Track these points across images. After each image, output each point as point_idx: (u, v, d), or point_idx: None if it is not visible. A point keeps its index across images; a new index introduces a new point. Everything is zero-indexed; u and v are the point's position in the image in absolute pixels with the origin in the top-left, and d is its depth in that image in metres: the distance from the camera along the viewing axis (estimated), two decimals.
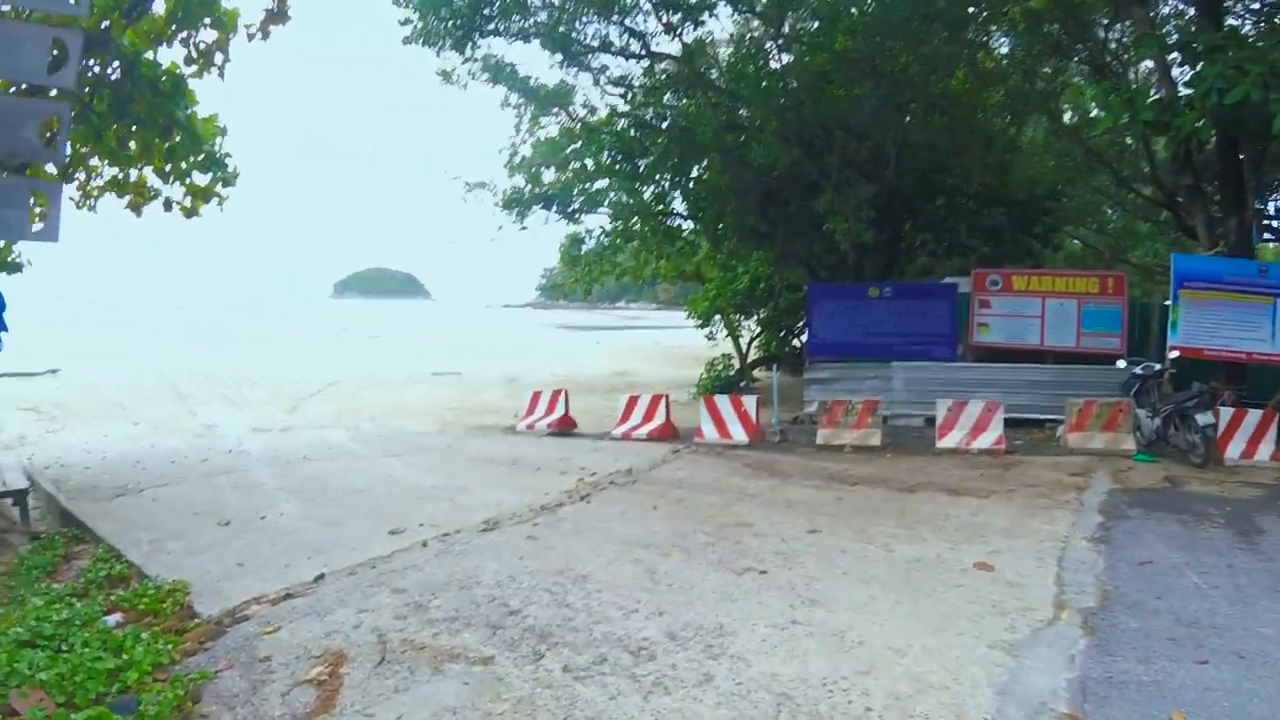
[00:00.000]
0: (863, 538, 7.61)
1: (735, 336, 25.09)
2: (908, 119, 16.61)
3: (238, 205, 13.69)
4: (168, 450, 13.86)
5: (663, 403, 13.90)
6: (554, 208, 19.73)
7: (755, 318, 24.03)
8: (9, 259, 13.58)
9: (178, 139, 11.88)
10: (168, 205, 13.01)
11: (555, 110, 20.16)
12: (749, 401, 13.49)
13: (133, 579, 7.37)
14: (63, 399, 20.95)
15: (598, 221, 22.63)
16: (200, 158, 12.53)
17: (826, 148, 16.35)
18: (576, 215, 20.42)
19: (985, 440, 12.41)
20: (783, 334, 24.64)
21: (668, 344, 48.62)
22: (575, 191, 19.68)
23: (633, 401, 14.10)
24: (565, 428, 14.66)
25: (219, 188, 12.98)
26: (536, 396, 15.19)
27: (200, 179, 12.80)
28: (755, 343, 24.67)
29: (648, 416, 13.84)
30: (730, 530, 7.83)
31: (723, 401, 13.57)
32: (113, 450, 14.19)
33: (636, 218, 19.97)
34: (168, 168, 12.49)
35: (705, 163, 17.57)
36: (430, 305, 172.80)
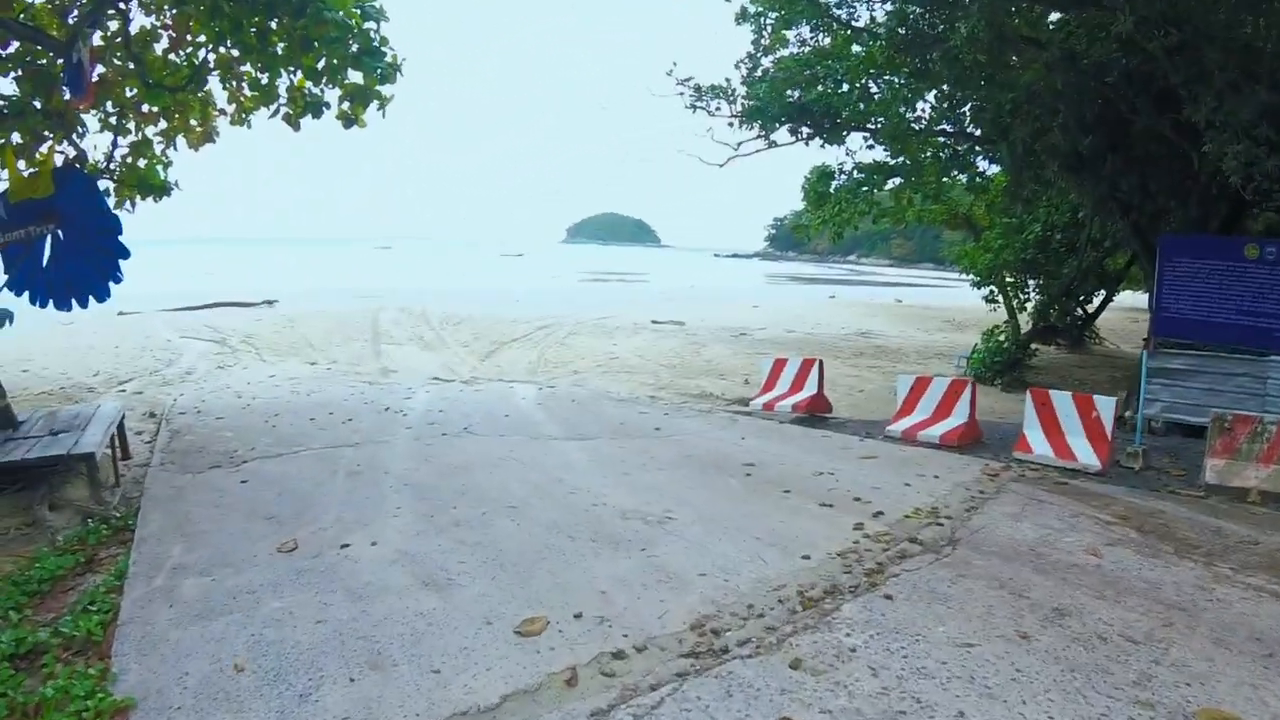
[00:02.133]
0: None
1: (1010, 302, 19.74)
2: None
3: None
4: (322, 400, 11.24)
5: (966, 393, 9.19)
6: (807, 125, 15.03)
7: (1039, 280, 18.52)
8: (158, 181, 11.07)
9: (308, 15, 8.73)
10: (318, 111, 10.00)
11: (805, 13, 15.49)
12: (1103, 405, 8.54)
13: (105, 648, 4.31)
14: (256, 331, 19.59)
15: (857, 142, 17.65)
16: (351, 49, 9.37)
17: (1204, 37, 10.81)
18: (838, 134, 15.55)
19: None
20: (1066, 301, 19.03)
21: (910, 302, 42.69)
22: (834, 105, 14.81)
23: (920, 386, 9.48)
24: (817, 412, 10.35)
25: (379, 87, 9.78)
26: (780, 366, 10.90)
27: (355, 77, 9.71)
28: (1028, 309, 19.29)
29: (942, 411, 9.23)
30: None
31: (1061, 400, 8.70)
32: (267, 395, 11.81)
33: (914, 139, 14.96)
34: (320, 65, 9.48)
35: (1019, 61, 12.35)
36: (661, 252, 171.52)
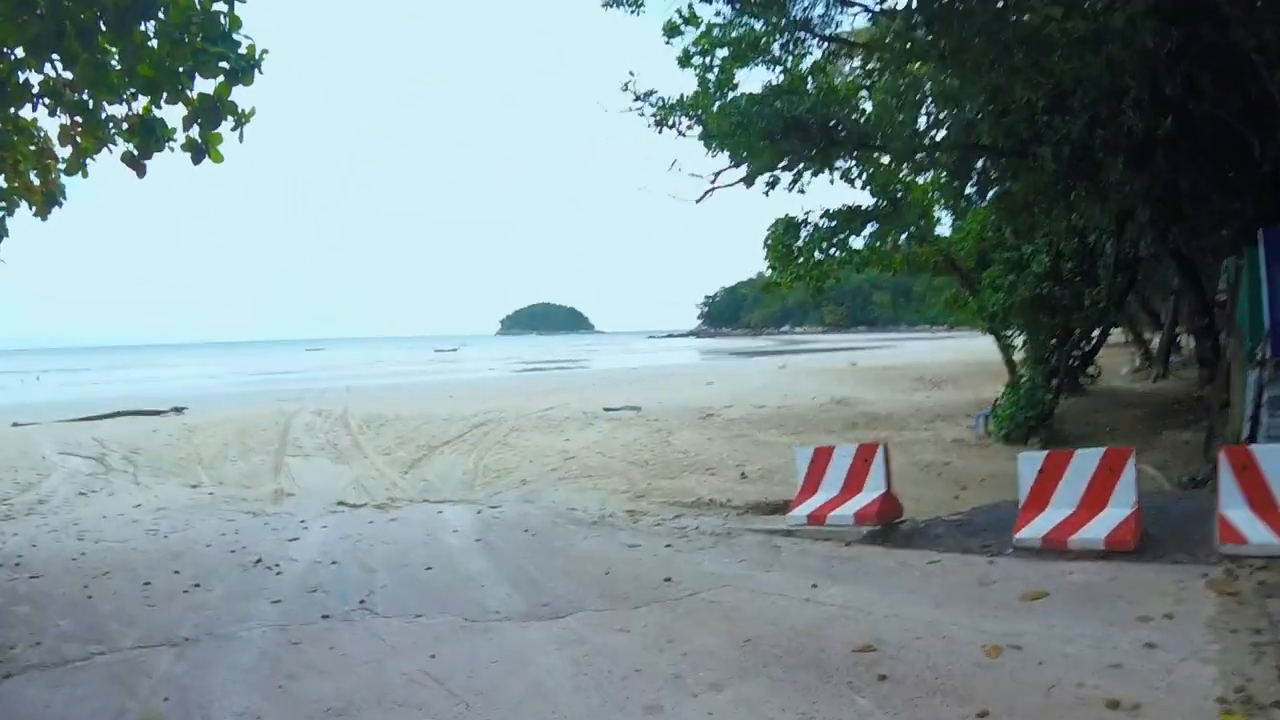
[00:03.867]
0: None
1: (1009, 346, 17.24)
2: None
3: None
4: (178, 546, 7.90)
5: (1128, 471, 5.97)
6: (799, 142, 11.85)
7: (1053, 317, 15.86)
8: None
9: None
10: (150, 134, 6.80)
11: (768, 38, 12.77)
12: None
13: None
14: (146, 445, 15.80)
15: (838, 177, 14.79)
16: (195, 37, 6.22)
17: None
18: (836, 153, 12.44)
19: None
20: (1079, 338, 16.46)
21: (865, 364, 40.13)
22: (830, 116, 11.76)
23: (1057, 466, 6.19)
24: (888, 519, 7.05)
25: (232, 95, 6.54)
26: (823, 459, 7.45)
27: (204, 85, 6.49)
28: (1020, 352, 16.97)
29: (1094, 499, 5.94)
30: None
31: (1272, 460, 5.66)
32: (115, 537, 8.47)
33: (923, 157, 12.05)
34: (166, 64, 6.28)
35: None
36: (596, 338, 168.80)
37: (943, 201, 15.92)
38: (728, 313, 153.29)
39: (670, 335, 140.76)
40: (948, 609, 4.81)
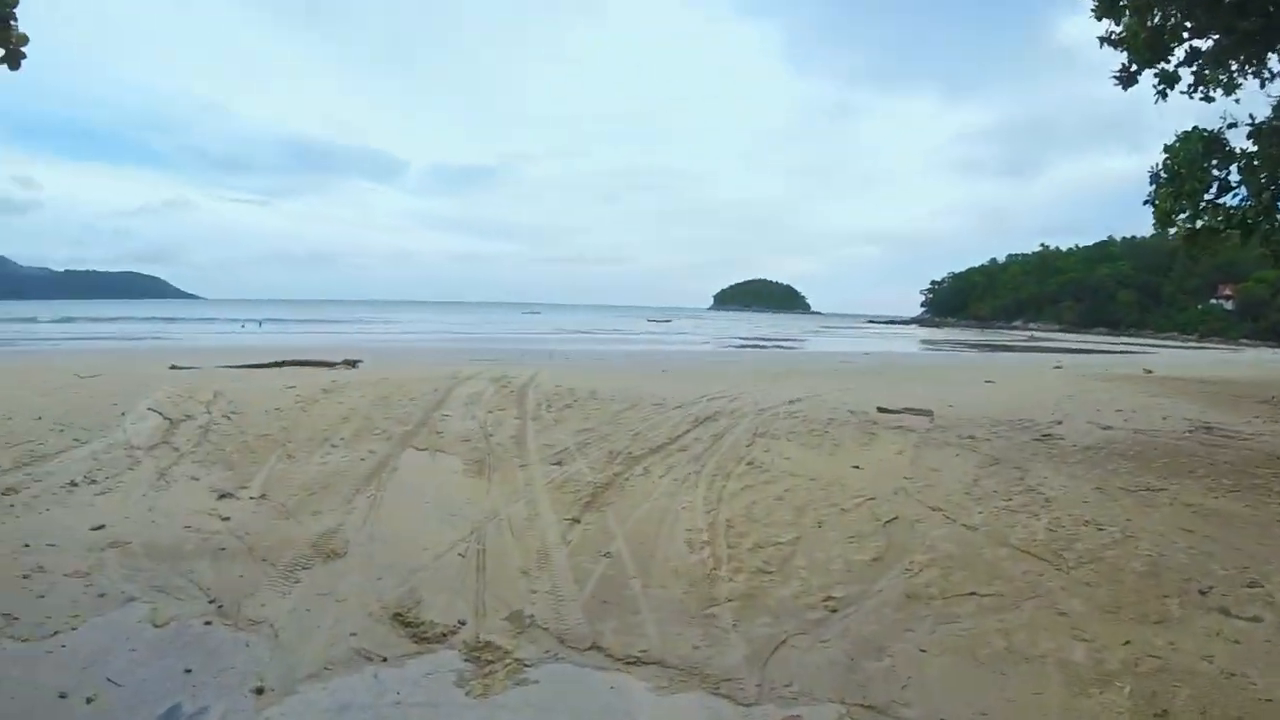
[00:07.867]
0: None
1: None
2: None
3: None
4: None
5: None
6: None
7: None
8: None
9: None
10: None
11: None
12: None
13: None
14: (247, 410, 11.29)
15: None
16: None
17: None
18: None
19: None
20: None
21: (1162, 371, 29.90)
22: None
23: None
24: None
25: None
26: None
27: None
28: None
29: None
30: None
31: None
32: None
33: None
34: None
35: None
36: (812, 319, 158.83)
37: None
38: (954, 301, 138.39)
39: (891, 321, 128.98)
40: None
